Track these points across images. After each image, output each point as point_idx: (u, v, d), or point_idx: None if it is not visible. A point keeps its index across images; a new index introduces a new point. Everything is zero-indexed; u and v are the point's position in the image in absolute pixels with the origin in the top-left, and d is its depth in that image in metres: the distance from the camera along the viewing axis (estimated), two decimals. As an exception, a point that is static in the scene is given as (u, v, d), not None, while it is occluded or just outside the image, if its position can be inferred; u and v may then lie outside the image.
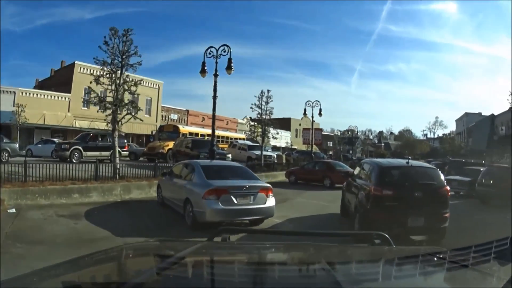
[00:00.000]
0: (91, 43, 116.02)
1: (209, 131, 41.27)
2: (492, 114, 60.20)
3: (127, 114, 16.91)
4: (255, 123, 33.19)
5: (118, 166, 16.52)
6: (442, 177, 10.23)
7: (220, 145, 37.91)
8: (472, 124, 68.64)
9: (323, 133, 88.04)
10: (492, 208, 16.18)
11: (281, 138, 77.26)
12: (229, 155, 30.31)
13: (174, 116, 56.31)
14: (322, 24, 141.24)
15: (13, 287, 1.61)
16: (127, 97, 17.29)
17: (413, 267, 2.08)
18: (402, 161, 11.02)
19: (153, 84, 53.16)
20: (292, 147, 73.37)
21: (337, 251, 2.71)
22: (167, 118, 54.14)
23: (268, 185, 11.24)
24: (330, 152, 75.12)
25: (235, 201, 10.03)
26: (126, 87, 16.75)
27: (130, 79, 17.09)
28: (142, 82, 18.56)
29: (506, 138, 43.68)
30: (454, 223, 10.13)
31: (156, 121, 50.64)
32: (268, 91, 31.89)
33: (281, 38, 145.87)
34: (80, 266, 2.05)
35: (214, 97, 19.88)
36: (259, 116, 31.82)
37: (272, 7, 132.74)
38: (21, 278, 1.71)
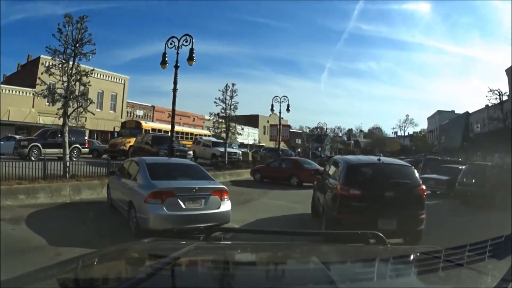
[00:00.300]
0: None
1: (176, 127, 40.44)
2: (467, 112, 60.29)
3: (78, 107, 15.72)
4: (219, 119, 31.71)
5: (68, 164, 15.18)
6: (417, 175, 9.59)
7: (184, 142, 37.01)
8: (445, 122, 68.92)
9: (292, 130, 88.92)
10: (474, 208, 15.52)
11: (249, 135, 77.31)
12: (191, 152, 29.13)
13: (140, 112, 55.41)
14: (292, 22, 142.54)
15: (10, 287, 1.62)
16: (79, 89, 15.93)
17: (408, 266, 2.10)
18: (373, 158, 10.14)
19: (119, 79, 51.99)
20: (260, 144, 72.53)
21: (332, 251, 2.73)
22: (132, 114, 53.03)
23: (223, 186, 9.95)
24: (299, 150, 74.87)
25: (183, 206, 8.76)
26: (78, 77, 15.40)
27: (82, 69, 15.75)
28: (93, 72, 17.20)
29: (482, 136, 43.77)
30: (433, 224, 9.55)
31: (121, 117, 49.37)
32: (233, 84, 30.83)
33: (251, 36, 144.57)
34: (74, 266, 2.07)
35: (174, 90, 18.62)
36: (223, 111, 30.63)
37: (242, 5, 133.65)
38: (15, 279, 1.71)
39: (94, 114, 20.14)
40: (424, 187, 9.35)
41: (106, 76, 50.10)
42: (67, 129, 15.62)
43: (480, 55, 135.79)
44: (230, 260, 2.42)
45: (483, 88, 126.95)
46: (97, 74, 47.74)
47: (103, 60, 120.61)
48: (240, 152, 36.80)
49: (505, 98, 33.61)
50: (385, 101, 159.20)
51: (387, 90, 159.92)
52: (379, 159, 9.65)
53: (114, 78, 51.55)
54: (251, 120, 75.97)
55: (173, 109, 19.49)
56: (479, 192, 15.81)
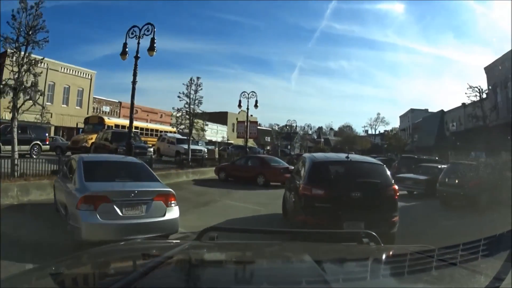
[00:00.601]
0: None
1: (140, 124, 39.48)
2: (442, 110, 59.71)
3: (28, 99, 14.60)
4: (182, 114, 30.27)
5: (16, 162, 14.03)
6: (389, 174, 9.06)
7: (150, 139, 36.35)
8: (419, 120, 68.46)
9: (261, 128, 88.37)
10: (456, 209, 15.08)
11: (217, 133, 76.19)
12: (151, 149, 28.14)
13: (106, 108, 53.61)
14: (265, 21, 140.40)
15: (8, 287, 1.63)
16: (30, 80, 14.80)
17: (402, 266, 2.00)
18: (341, 156, 9.56)
19: (85, 74, 50.39)
20: (229, 141, 71.86)
21: (325, 250, 2.72)
22: (99, 110, 51.36)
23: (169, 189, 8.48)
24: (268, 147, 74.64)
25: (120, 213, 7.42)
26: (29, 67, 14.31)
27: (33, 58, 14.61)
28: (43, 62, 15.91)
29: (458, 134, 43.67)
30: (412, 227, 9.26)
31: (87, 113, 47.21)
32: (198, 78, 29.46)
33: (222, 33, 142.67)
34: (69, 264, 2.12)
35: (133, 82, 17.66)
36: (187, 106, 29.21)
37: (215, 2, 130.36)
38: (10, 279, 1.75)
39: (44, 108, 19.13)
40: (396, 187, 8.82)
41: (72, 70, 48.46)
42: (16, 123, 14.48)
43: (453, 55, 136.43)
44: (223, 259, 2.45)
45: (456, 88, 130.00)
46: (64, 68, 46.72)
47: (74, 56, 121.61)
48: (206, 150, 35.64)
49: (484, 96, 33.25)
50: (355, 100, 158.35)
51: (358, 89, 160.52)
52: (347, 157, 9.10)
53: (80, 73, 49.84)
54: (220, 117, 75.45)
55: (132, 103, 18.50)
56: (462, 193, 15.21)
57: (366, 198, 8.17)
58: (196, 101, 29.07)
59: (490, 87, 32.47)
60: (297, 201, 8.77)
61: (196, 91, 29.03)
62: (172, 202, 8.20)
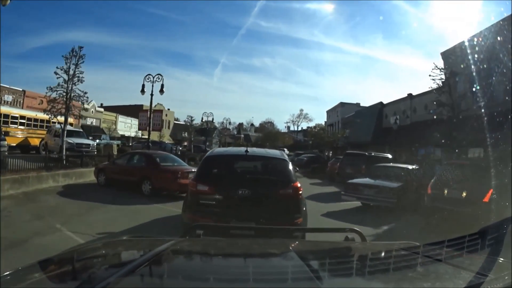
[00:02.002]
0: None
1: (42, 116, 31.63)
2: (381, 102, 52.43)
3: None
4: (57, 95, 22.04)
5: None
6: (292, 170, 8.22)
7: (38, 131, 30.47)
8: (350, 114, 61.85)
9: (178, 123, 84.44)
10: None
11: (132, 127, 72.04)
12: (5, 143, 21.25)
13: (9, 98, 46.16)
14: (191, 15, 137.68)
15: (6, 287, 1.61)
16: None
17: (387, 262, 2.07)
18: (241, 150, 8.91)
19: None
20: (143, 136, 65.20)
21: (311, 247, 2.75)
22: (1, 100, 43.49)
23: None
24: (185, 143, 70.29)
25: None
26: None
27: None
28: None
29: (406, 128, 38.46)
30: None
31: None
32: (80, 48, 21.72)
33: (148, 27, 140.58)
34: (59, 261, 2.05)
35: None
36: (64, 84, 21.55)
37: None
38: (3, 277, 1.69)
39: None
40: (299, 184, 7.88)
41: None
42: None
43: (381, 55, 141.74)
44: (209, 256, 2.41)
45: (385, 86, 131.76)
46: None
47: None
48: (94, 144, 28.74)
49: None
50: (279, 97, 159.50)
51: (281, 86, 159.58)
52: (246, 151, 8.46)
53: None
54: (135, 111, 68.86)
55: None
56: (475, 211, 9.23)
57: (258, 196, 7.52)
58: (76, 79, 21.63)
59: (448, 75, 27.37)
60: (186, 197, 8.43)
61: (77, 65, 21.55)
62: None
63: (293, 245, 2.69)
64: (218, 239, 3.07)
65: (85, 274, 1.86)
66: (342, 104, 69.88)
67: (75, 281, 1.69)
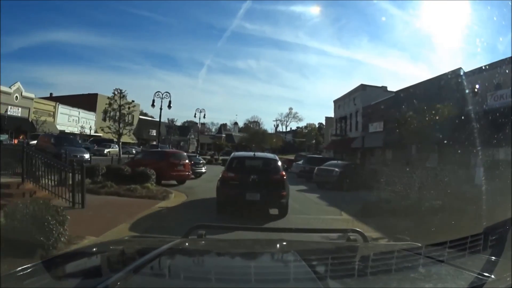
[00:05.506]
0: None
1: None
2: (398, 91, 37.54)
3: None
4: None
5: None
6: (280, 164, 13.07)
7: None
8: (375, 101, 43.29)
9: (145, 118, 74.52)
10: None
11: (79, 121, 60.62)
12: None
13: None
14: (176, 17, 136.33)
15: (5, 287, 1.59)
16: None
17: (389, 263, 2.01)
18: (250, 154, 14.94)
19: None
20: (96, 134, 55.93)
21: (313, 247, 2.77)
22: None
23: None
24: (154, 143, 63.08)
25: None
26: None
27: None
28: None
29: None
30: None
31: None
32: None
33: (133, 28, 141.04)
34: (53, 266, 1.99)
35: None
36: None
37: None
38: (6, 277, 1.69)
39: None
40: (284, 173, 12.86)
41: None
42: None
43: (366, 58, 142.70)
44: (210, 256, 2.42)
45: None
46: None
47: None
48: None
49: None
50: (262, 99, 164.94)
51: (265, 88, 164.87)
52: (254, 154, 14.50)
53: None
54: (88, 101, 61.38)
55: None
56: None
57: (261, 179, 12.02)
58: None
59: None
60: (220, 180, 12.56)
61: None
62: None
63: (295, 245, 2.69)
64: (220, 239, 3.12)
65: (87, 274, 1.84)
66: (363, 87, 50.01)
67: (77, 281, 1.71)
